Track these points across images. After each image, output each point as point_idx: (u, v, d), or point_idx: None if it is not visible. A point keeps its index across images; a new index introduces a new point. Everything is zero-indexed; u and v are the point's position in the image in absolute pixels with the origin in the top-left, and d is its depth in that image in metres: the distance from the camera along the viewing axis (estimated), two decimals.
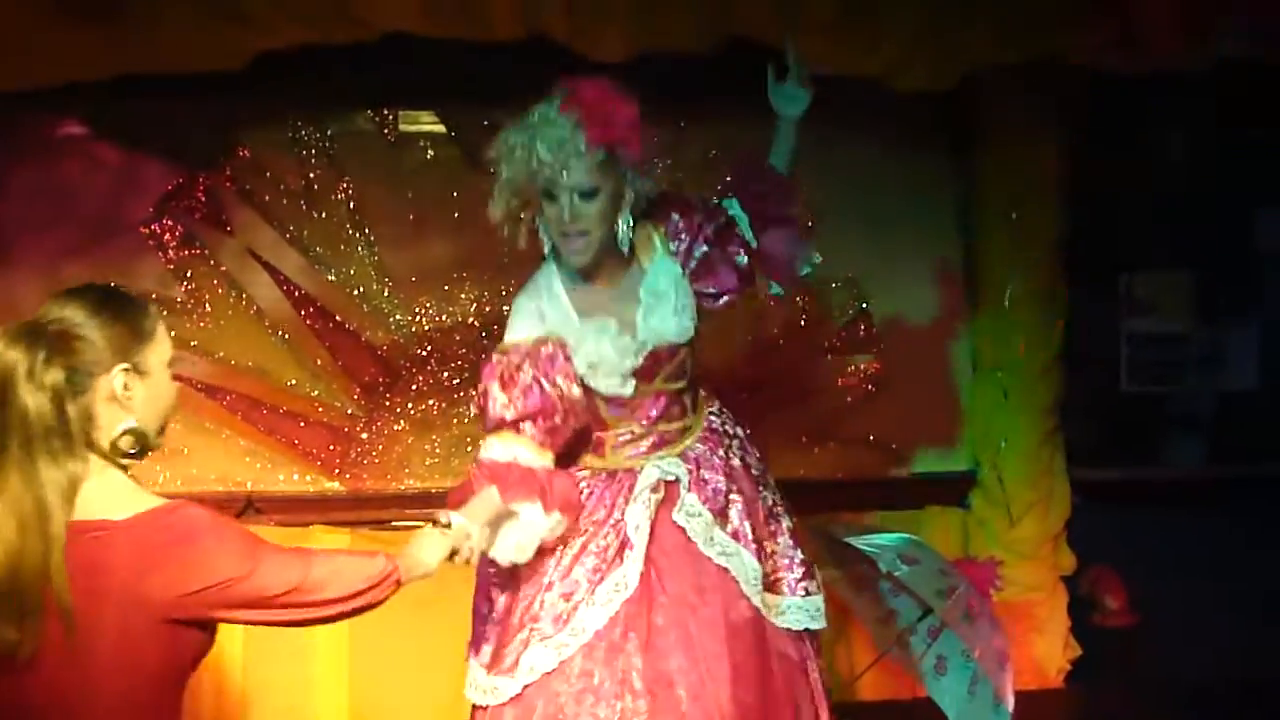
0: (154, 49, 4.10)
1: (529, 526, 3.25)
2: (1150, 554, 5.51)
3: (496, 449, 3.32)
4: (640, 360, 3.42)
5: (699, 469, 3.48)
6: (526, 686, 3.33)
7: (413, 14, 4.06)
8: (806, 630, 3.47)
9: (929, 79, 4.52)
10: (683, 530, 3.41)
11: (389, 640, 4.85)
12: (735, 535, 3.43)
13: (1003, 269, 5.27)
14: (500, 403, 3.32)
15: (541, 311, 3.44)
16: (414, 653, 4.89)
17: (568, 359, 3.39)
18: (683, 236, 3.50)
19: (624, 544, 3.41)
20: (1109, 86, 4.96)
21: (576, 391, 3.36)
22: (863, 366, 5.34)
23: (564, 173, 3.22)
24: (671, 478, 3.44)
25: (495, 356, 3.39)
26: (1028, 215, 5.20)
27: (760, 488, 3.54)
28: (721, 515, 3.44)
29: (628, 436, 3.54)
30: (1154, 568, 5.48)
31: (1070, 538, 5.34)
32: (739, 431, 3.64)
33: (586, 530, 3.45)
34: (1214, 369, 5.82)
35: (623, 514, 3.42)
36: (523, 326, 3.42)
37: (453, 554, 2.92)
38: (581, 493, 3.49)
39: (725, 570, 3.39)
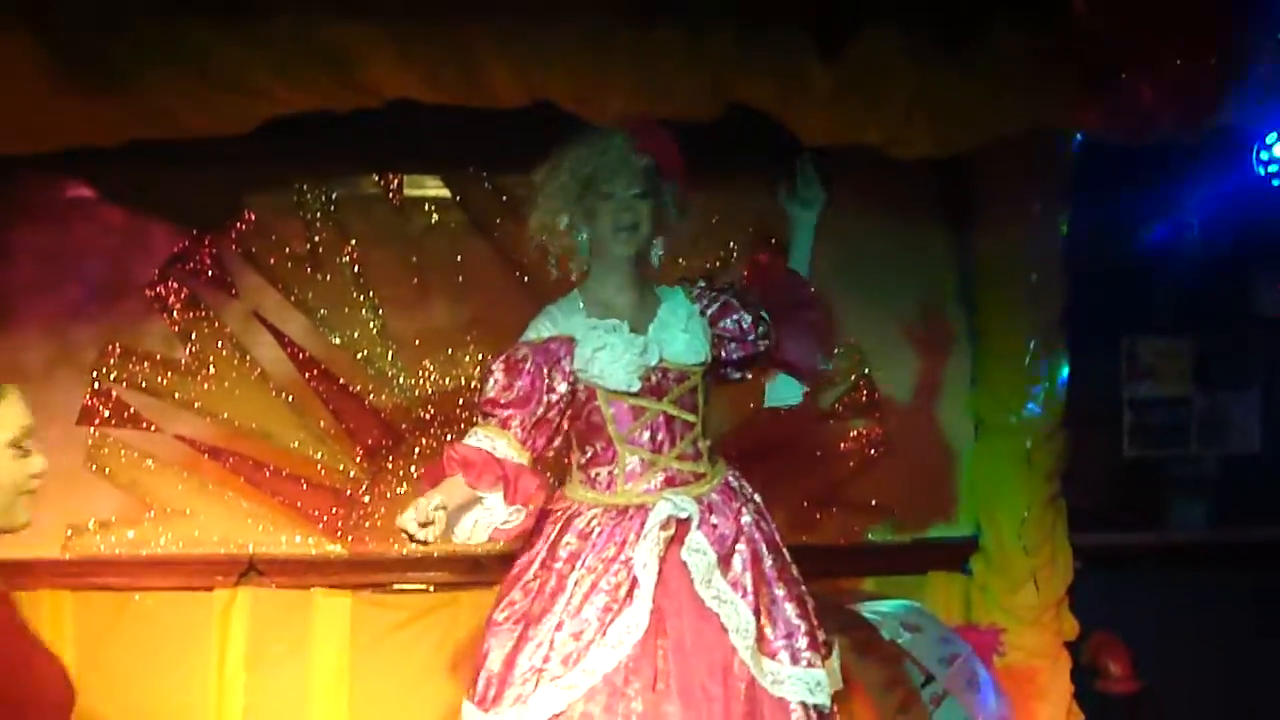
0: (157, 118, 4.13)
1: (488, 512, 3.50)
2: (1154, 619, 5.45)
3: (478, 436, 3.56)
4: (648, 362, 3.60)
5: (710, 512, 3.55)
6: None
7: (415, 83, 4.09)
8: (808, 704, 3.47)
9: (929, 148, 4.54)
10: (687, 570, 3.46)
11: (388, 684, 4.95)
12: (734, 584, 3.50)
13: (1005, 334, 5.28)
14: (498, 385, 3.59)
15: (556, 318, 3.73)
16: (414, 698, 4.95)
17: (571, 358, 3.63)
18: (707, 297, 3.81)
19: (634, 583, 3.49)
20: (1104, 151, 4.98)
21: (567, 391, 3.61)
22: (864, 432, 5.33)
23: (621, 170, 3.61)
24: (684, 514, 3.51)
25: (507, 349, 3.68)
26: (1029, 281, 5.20)
27: (769, 551, 3.58)
28: (725, 561, 3.49)
29: (637, 467, 3.59)
30: (1158, 633, 5.43)
31: (1073, 603, 5.31)
32: (756, 497, 3.73)
33: (596, 568, 3.54)
34: (1216, 432, 5.80)
35: (633, 551, 3.51)
36: (537, 328, 3.72)
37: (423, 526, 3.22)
38: (591, 529, 3.61)
39: (717, 616, 3.45)
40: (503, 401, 3.58)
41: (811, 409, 5.08)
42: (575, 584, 3.51)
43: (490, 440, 3.55)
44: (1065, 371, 5.27)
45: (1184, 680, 5.36)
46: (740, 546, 3.55)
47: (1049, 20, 4.04)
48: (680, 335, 3.65)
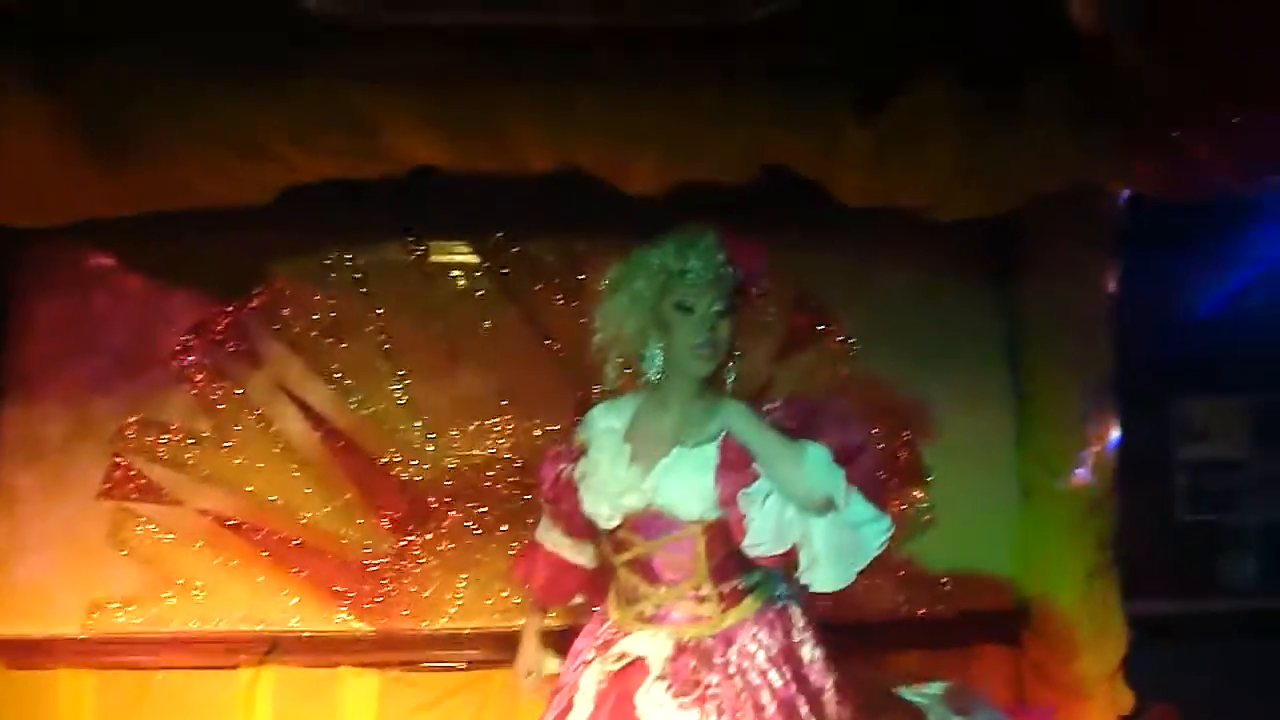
0: (176, 189, 4.07)
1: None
2: (1211, 690, 5.25)
3: (542, 528, 3.76)
4: (631, 505, 3.36)
5: (689, 657, 3.33)
6: None
7: (441, 149, 4.00)
8: None
9: (972, 208, 4.40)
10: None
11: None
12: None
13: (1052, 395, 5.11)
14: (543, 485, 3.62)
15: (596, 415, 3.56)
16: None
17: (575, 465, 3.53)
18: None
19: (569, 707, 3.40)
20: (1157, 204, 4.83)
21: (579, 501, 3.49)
22: (908, 499, 5.15)
23: (710, 286, 3.30)
24: (636, 655, 3.35)
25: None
26: (1076, 340, 5.04)
27: (777, 700, 3.31)
28: (699, 704, 3.28)
29: (634, 592, 3.45)
30: (1216, 704, 5.23)
31: (1127, 675, 5.11)
32: (792, 636, 3.44)
33: (567, 680, 3.49)
34: (1273, 495, 5.62)
35: (582, 675, 3.42)
36: (584, 422, 3.61)
37: None
38: (598, 639, 3.48)
39: None
40: (545, 500, 3.65)
41: None
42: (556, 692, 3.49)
43: (547, 532, 3.74)
44: (1116, 434, 5.08)
45: None
46: (716, 692, 3.30)
47: (1096, 75, 3.88)
48: (682, 485, 3.33)
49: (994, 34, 3.86)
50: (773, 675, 3.33)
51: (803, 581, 3.26)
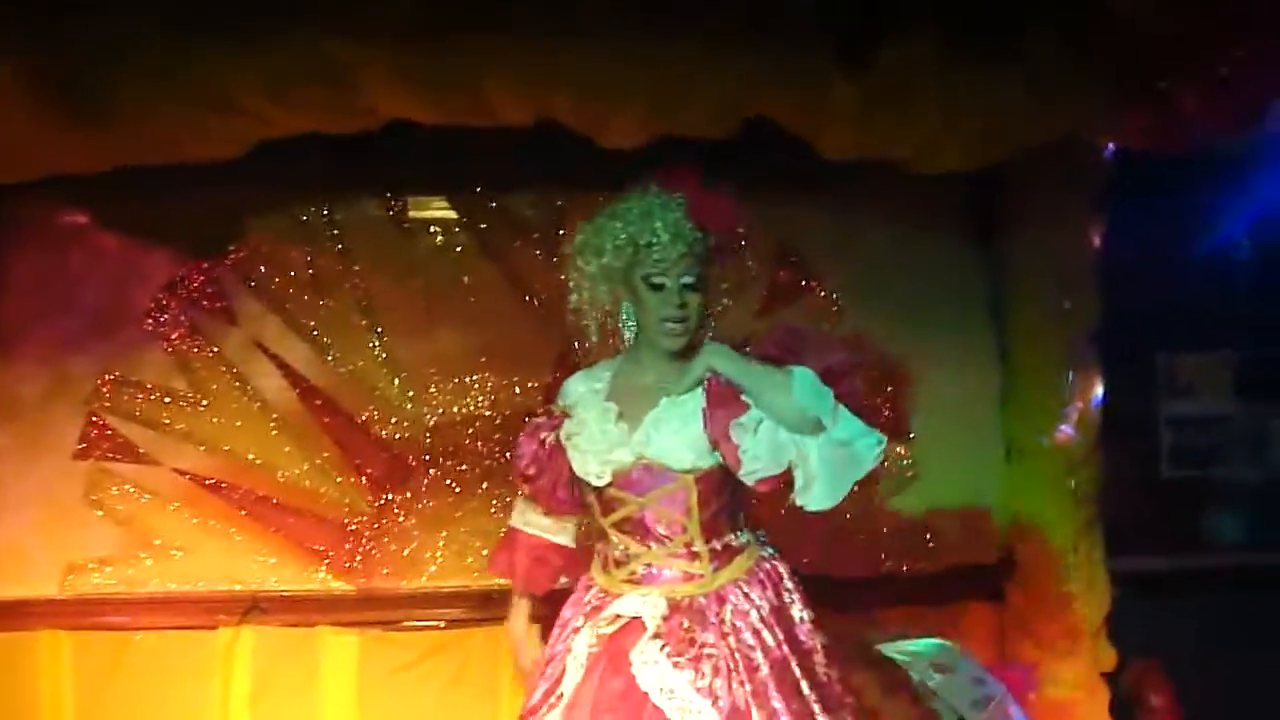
0: (150, 144, 4.00)
1: None
2: (1195, 646, 5.26)
3: (518, 513, 3.71)
4: (621, 460, 3.33)
5: (684, 615, 3.30)
6: None
7: (416, 103, 3.91)
8: None
9: (958, 161, 4.35)
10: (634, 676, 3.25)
11: None
12: (703, 692, 3.20)
13: (1036, 352, 5.08)
14: (521, 461, 3.55)
15: (576, 382, 3.52)
16: None
17: (558, 432, 3.48)
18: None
19: (561, 673, 3.36)
20: (1141, 158, 4.78)
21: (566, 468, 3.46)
22: (891, 455, 5.10)
23: (678, 260, 3.24)
24: (632, 614, 3.30)
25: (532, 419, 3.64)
26: (1061, 297, 5.00)
27: (770, 661, 3.27)
28: (694, 665, 3.24)
29: (623, 554, 3.41)
30: (1199, 661, 5.22)
31: (1111, 631, 5.10)
32: (782, 596, 3.41)
33: (556, 650, 3.43)
34: (1258, 450, 5.60)
35: (573, 641, 3.38)
36: (561, 392, 3.58)
37: None
38: (584, 605, 3.44)
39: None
40: (522, 477, 3.58)
41: None
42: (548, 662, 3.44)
43: (523, 515, 3.70)
44: (1100, 390, 5.05)
45: (1228, 711, 5.14)
46: (711, 651, 3.29)
47: (1084, 25, 3.82)
48: (674, 435, 3.30)
49: None
50: (766, 635, 3.31)
51: (799, 503, 3.27)
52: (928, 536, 5.15)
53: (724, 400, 3.26)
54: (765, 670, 3.24)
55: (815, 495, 3.24)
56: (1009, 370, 5.21)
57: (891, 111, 4.02)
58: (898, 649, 4.05)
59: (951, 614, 5.09)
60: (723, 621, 3.30)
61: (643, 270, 3.26)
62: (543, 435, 3.52)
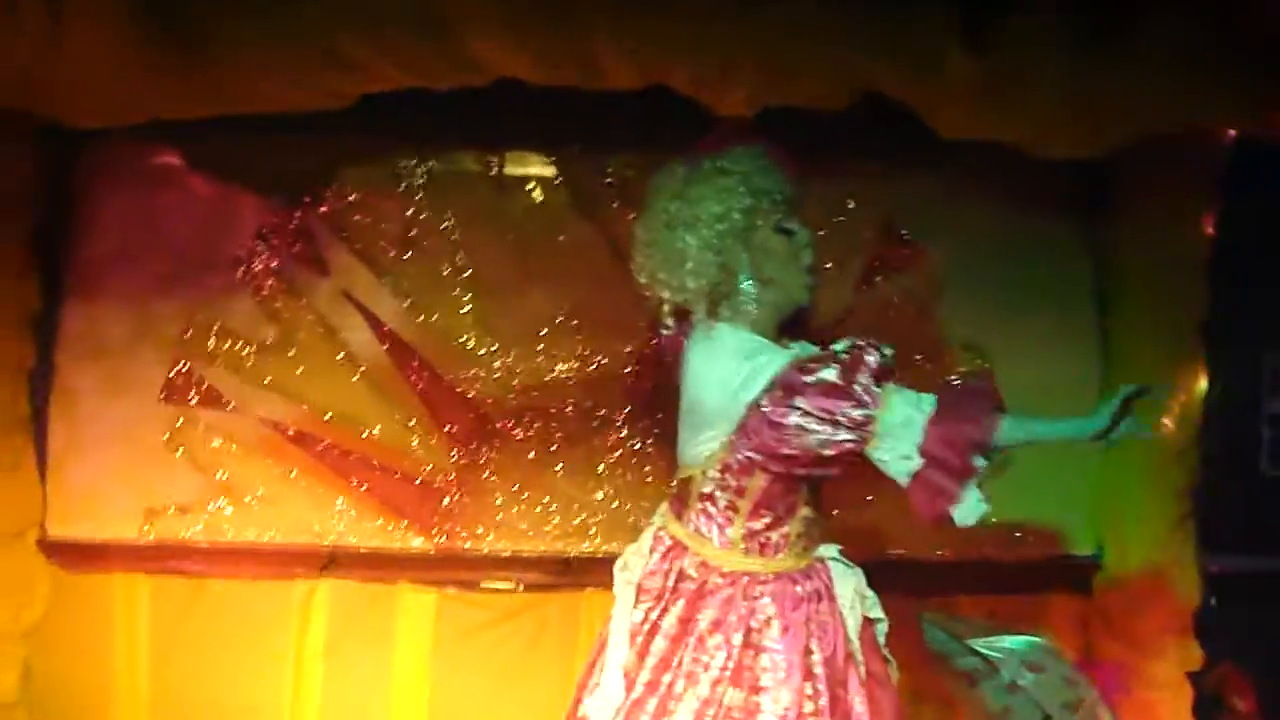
0: (250, 94, 3.94)
1: None
2: None
3: None
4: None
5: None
6: None
7: (523, 62, 3.83)
8: None
9: (1073, 148, 4.21)
10: None
11: (471, 686, 4.80)
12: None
13: (1138, 340, 4.94)
14: None
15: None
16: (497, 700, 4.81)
17: None
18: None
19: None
20: (1253, 153, 4.63)
21: None
22: None
23: (793, 200, 3.26)
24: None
25: None
26: (1167, 288, 4.86)
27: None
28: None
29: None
30: None
31: (1199, 632, 4.97)
32: (822, 607, 3.34)
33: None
34: None
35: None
36: None
37: None
38: None
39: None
40: None
41: None
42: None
43: None
44: (1203, 384, 4.91)
45: None
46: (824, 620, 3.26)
47: (1218, 8, 3.65)
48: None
49: None
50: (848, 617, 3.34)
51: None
52: (1017, 527, 5.03)
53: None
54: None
55: None
56: (1110, 357, 5.07)
57: (1008, 92, 3.89)
58: (988, 644, 3.94)
59: (1037, 605, 5.00)
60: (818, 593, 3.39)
61: (771, 219, 3.18)
62: None
